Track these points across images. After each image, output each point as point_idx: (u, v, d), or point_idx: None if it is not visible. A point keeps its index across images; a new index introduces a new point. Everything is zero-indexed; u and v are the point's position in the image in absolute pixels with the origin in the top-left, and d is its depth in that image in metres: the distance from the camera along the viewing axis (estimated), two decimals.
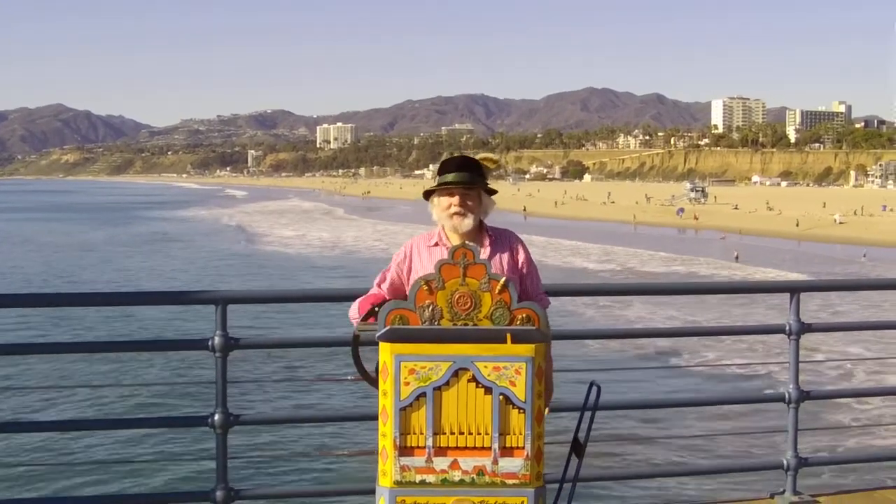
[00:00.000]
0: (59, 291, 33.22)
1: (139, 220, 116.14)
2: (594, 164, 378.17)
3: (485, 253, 4.77)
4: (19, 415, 19.03)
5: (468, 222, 4.79)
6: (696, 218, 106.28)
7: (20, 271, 53.62)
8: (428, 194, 4.95)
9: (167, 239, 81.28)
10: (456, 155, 5.07)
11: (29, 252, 67.60)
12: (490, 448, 4.15)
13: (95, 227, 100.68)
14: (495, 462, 4.15)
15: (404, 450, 4.15)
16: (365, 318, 4.70)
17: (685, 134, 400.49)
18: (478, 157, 4.97)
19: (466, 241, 4.59)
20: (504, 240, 4.92)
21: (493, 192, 4.93)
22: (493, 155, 5.08)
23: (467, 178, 4.79)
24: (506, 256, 4.84)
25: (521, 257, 4.89)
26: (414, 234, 5.09)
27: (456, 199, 4.80)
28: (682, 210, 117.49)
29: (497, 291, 4.27)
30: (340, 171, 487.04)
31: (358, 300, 4.97)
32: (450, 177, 4.81)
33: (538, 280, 4.97)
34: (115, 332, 29.30)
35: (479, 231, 4.88)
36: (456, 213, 4.79)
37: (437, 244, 4.86)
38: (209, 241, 79.33)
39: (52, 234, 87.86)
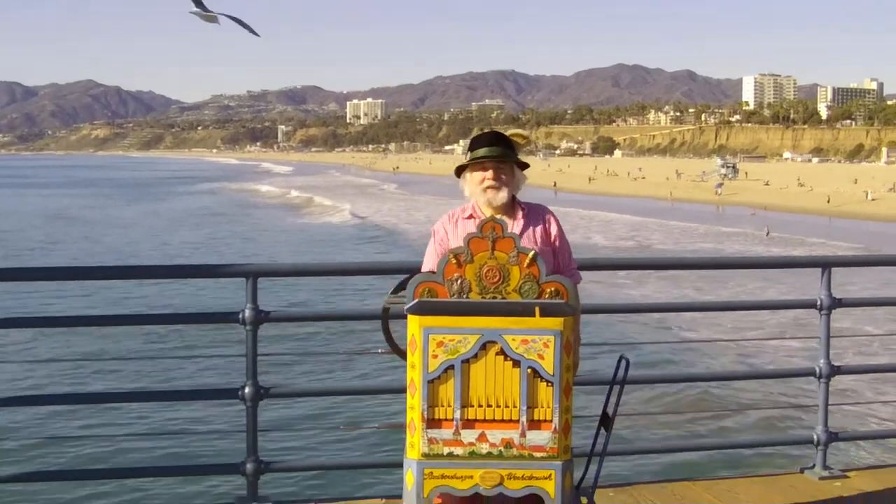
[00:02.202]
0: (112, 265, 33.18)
1: (208, 193, 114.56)
2: (625, 139, 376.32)
3: (518, 226, 4.76)
4: (47, 386, 19.17)
5: (502, 195, 4.76)
6: (717, 194, 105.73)
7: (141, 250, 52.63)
8: (460, 170, 4.92)
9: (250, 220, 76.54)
10: (487, 130, 5.04)
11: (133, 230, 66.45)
12: (518, 421, 4.17)
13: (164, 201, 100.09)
14: (523, 435, 4.17)
15: (432, 422, 4.17)
16: (395, 291, 4.72)
17: (716, 110, 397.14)
18: (508, 132, 4.93)
19: (498, 215, 4.60)
20: (537, 213, 4.88)
21: (526, 166, 4.91)
22: (523, 131, 5.00)
23: (500, 151, 4.76)
24: (539, 230, 4.81)
25: (553, 231, 4.86)
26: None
27: (490, 174, 4.76)
28: (720, 185, 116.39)
29: (526, 265, 4.28)
30: (370, 146, 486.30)
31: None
32: (482, 151, 4.78)
33: (570, 254, 4.95)
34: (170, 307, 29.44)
35: (512, 205, 4.85)
36: (490, 187, 4.76)
37: (471, 216, 4.83)
38: (317, 218, 77.26)
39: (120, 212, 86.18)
